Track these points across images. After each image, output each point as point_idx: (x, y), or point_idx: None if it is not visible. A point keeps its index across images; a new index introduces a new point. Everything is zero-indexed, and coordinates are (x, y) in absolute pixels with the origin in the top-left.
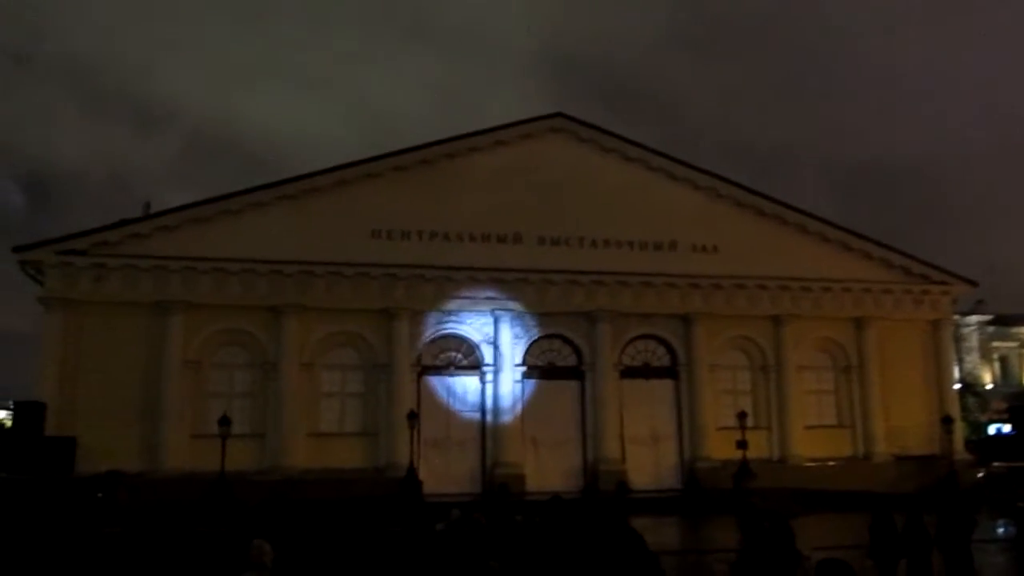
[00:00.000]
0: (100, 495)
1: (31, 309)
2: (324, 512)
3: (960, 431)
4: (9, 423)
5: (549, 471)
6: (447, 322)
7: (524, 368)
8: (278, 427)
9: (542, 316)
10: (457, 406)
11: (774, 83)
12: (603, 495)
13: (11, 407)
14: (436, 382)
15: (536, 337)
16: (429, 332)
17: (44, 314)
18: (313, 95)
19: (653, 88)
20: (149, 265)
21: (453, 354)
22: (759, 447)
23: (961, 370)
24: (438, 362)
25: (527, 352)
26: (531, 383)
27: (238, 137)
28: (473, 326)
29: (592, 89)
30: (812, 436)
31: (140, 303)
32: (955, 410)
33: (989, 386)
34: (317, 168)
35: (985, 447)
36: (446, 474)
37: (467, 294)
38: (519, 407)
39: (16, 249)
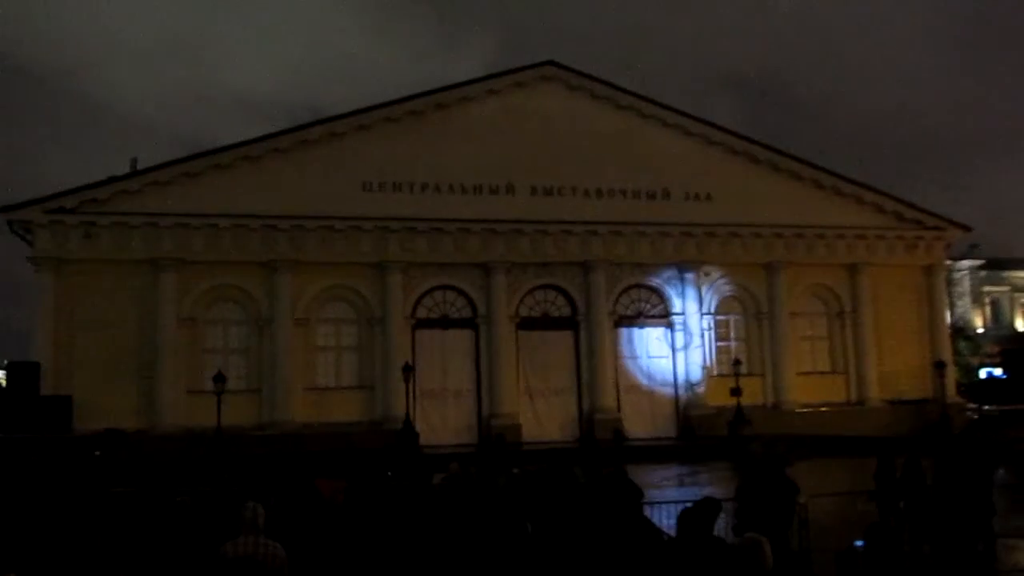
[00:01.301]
0: (98, 453)
1: (22, 269)
2: (321, 466)
3: (952, 375)
4: (4, 383)
5: (545, 421)
6: (441, 274)
7: (518, 319)
8: (275, 382)
9: (536, 267)
10: (452, 358)
11: (752, 16)
12: (600, 444)
13: (5, 367)
14: (431, 334)
15: (530, 288)
16: (423, 284)
17: (35, 273)
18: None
19: (625, 26)
20: (140, 222)
21: (448, 306)
22: (753, 394)
23: (953, 314)
24: (432, 314)
25: (521, 303)
26: (526, 334)
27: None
28: (467, 278)
29: (561, 28)
30: (805, 382)
31: (132, 260)
32: (947, 354)
33: (981, 330)
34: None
35: (977, 391)
36: (443, 425)
37: (460, 245)
38: (514, 358)
39: (3, 209)
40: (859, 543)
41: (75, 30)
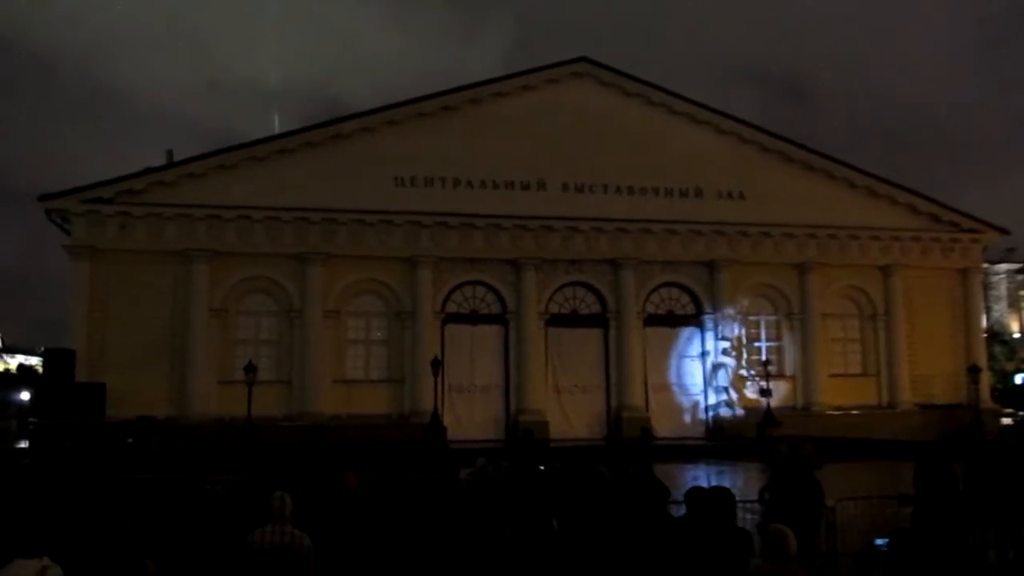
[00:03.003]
0: (130, 440)
1: (63, 258)
2: (349, 458)
3: (987, 380)
4: (41, 370)
5: (573, 418)
6: (471, 270)
7: (548, 316)
8: (304, 374)
9: (566, 264)
10: (481, 353)
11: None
12: (627, 442)
13: (42, 354)
14: (460, 329)
15: (560, 285)
16: (453, 279)
17: (71, 262)
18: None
19: (640, 17)
20: (174, 213)
21: (477, 301)
22: (783, 395)
23: (988, 318)
24: (462, 309)
25: (551, 300)
26: (555, 331)
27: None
28: (497, 273)
29: (575, 20)
30: (837, 384)
31: (166, 251)
32: (982, 359)
33: (1017, 335)
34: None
35: (1012, 396)
36: (470, 420)
37: (490, 241)
38: (543, 354)
39: (42, 198)
40: (879, 541)
41: (86, 17)
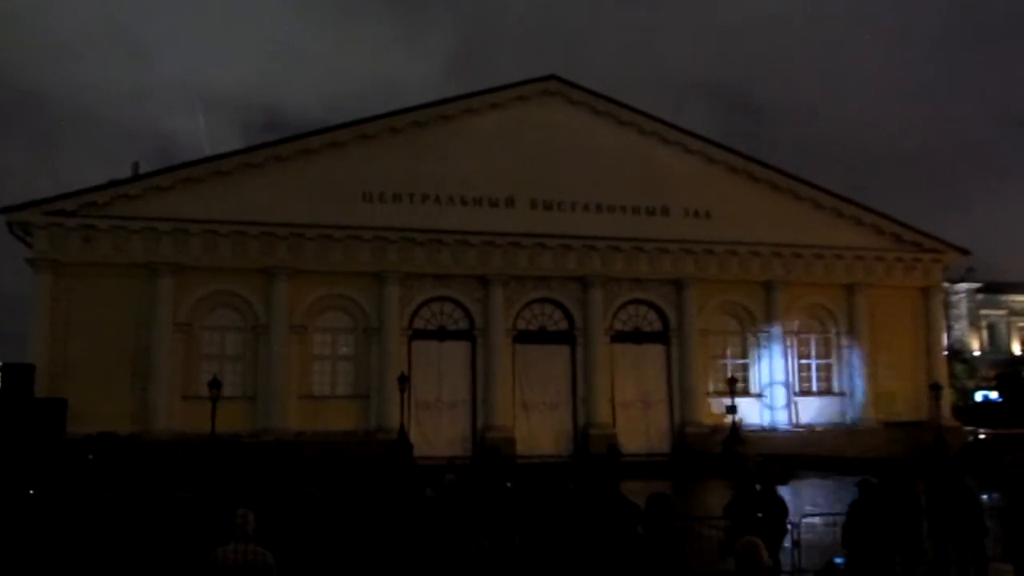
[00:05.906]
0: (91, 457)
1: (22, 270)
2: (314, 476)
3: (948, 398)
4: None
5: (540, 435)
6: (438, 286)
7: (515, 332)
8: (269, 390)
9: (534, 280)
10: (448, 369)
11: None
12: (594, 458)
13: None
14: (427, 346)
15: (528, 301)
16: (420, 295)
17: (33, 275)
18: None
19: (584, 28)
20: (139, 226)
21: (445, 317)
22: (748, 412)
23: (950, 337)
24: (429, 325)
25: (518, 316)
26: (522, 347)
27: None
28: (465, 290)
29: (521, 29)
30: (801, 402)
31: (130, 265)
32: (943, 377)
33: (977, 353)
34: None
35: (972, 414)
36: (437, 437)
37: (458, 257)
38: (510, 371)
39: (3, 210)
40: (838, 560)
41: (12, 18)
